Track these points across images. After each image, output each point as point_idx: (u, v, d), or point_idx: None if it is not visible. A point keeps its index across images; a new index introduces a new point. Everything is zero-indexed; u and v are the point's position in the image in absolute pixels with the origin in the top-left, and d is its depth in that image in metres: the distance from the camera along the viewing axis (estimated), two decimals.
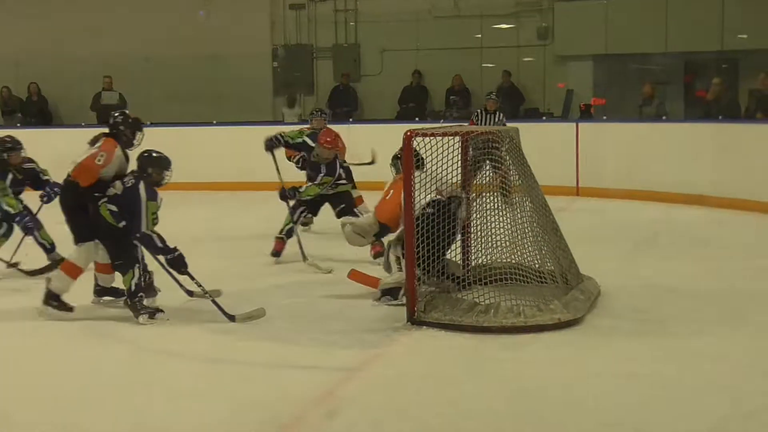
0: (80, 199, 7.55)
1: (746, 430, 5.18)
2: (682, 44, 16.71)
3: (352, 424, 5.33)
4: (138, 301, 7.41)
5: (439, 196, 7.64)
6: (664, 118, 14.99)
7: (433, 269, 7.50)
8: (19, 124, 17.97)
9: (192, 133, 16.10)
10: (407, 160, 7.25)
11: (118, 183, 7.47)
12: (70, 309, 7.58)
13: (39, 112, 18.94)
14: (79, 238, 7.63)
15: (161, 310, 7.45)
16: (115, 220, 7.39)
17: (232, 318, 7.27)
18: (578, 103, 16.67)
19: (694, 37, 16.59)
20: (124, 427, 5.31)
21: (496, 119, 13.92)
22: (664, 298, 7.99)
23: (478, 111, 14.30)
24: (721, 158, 12.86)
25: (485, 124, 13.64)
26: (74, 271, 7.62)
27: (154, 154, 7.56)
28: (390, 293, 7.80)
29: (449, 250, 7.89)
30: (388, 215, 8.02)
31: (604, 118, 15.94)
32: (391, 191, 8.09)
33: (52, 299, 7.55)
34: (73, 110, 19.06)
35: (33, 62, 19.01)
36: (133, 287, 7.42)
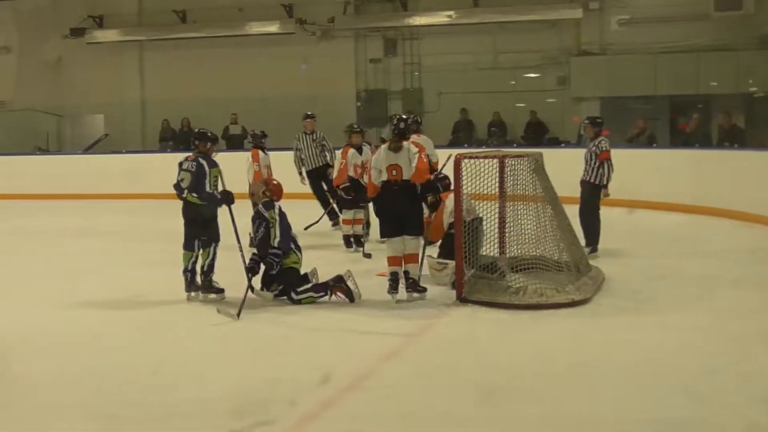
0: None
1: (711, 384, 5.16)
2: (668, 89, 16.67)
3: (410, 376, 5.40)
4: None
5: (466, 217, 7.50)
6: (654, 145, 14.82)
7: (473, 266, 7.51)
8: (169, 150, 18.30)
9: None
10: (457, 180, 7.27)
11: None
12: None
13: (185, 142, 19.21)
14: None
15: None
16: None
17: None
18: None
19: (677, 83, 16.56)
20: (211, 385, 5.25)
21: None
22: (654, 283, 7.94)
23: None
24: (697, 176, 12.74)
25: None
26: None
27: None
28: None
29: (481, 251, 7.83)
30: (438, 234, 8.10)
31: None
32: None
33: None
34: None
35: (181, 102, 19.31)
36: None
